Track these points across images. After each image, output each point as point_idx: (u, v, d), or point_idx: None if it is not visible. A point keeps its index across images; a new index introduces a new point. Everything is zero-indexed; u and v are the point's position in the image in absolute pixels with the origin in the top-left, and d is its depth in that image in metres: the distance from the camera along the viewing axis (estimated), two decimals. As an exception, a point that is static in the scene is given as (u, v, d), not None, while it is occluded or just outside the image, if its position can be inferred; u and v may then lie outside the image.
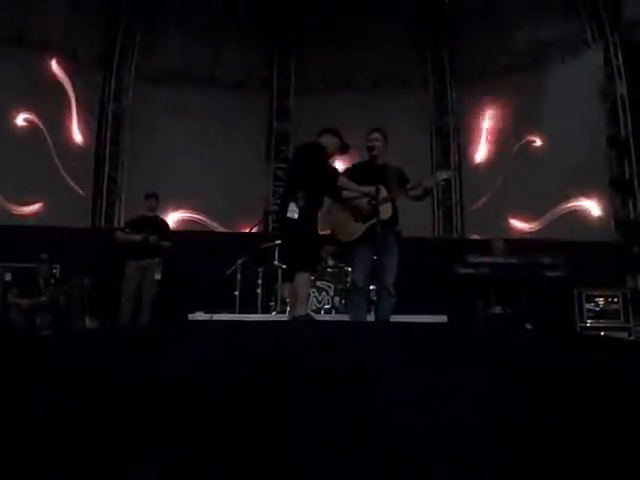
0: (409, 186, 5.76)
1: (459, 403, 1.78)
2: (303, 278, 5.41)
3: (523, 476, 1.34)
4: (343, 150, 5.88)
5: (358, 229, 5.69)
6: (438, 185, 6.17)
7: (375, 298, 6.29)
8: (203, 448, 1.46)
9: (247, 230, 9.74)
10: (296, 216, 5.28)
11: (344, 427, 1.56)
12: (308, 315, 5.56)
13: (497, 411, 1.69)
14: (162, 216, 8.64)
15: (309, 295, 7.93)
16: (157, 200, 8.60)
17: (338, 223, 5.81)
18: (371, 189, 5.63)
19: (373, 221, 5.60)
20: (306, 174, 5.48)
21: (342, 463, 1.40)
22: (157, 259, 8.13)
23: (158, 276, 8.07)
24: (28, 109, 13.17)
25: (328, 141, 5.76)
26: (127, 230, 8.33)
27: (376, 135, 5.95)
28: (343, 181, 5.65)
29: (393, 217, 5.78)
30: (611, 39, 13.21)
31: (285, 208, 5.40)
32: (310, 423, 1.60)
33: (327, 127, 5.95)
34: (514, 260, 7.96)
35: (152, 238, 8.05)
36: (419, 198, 5.82)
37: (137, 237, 8.06)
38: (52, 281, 8.57)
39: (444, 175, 6.11)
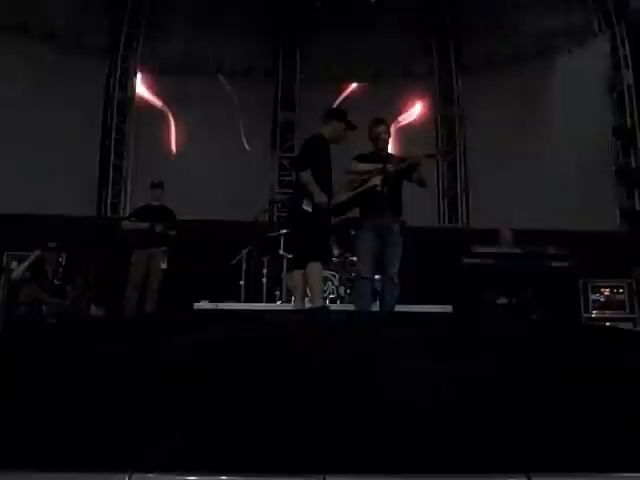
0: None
1: (461, 387, 1.79)
2: (315, 269, 5.47)
3: (523, 459, 1.36)
4: (350, 129, 5.96)
5: (346, 195, 5.83)
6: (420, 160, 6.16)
7: (379, 288, 6.32)
8: (208, 435, 1.49)
9: (252, 219, 9.72)
10: (310, 210, 5.38)
11: (350, 413, 1.58)
12: (324, 306, 5.63)
13: (500, 397, 1.71)
14: (167, 205, 8.65)
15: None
16: (162, 189, 8.60)
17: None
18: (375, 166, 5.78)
19: (364, 187, 5.70)
20: (315, 171, 5.55)
21: (347, 443, 1.42)
22: (163, 248, 8.17)
23: (164, 265, 8.10)
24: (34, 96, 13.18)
25: (333, 128, 5.87)
26: (133, 219, 8.36)
27: (383, 128, 6.02)
28: (351, 165, 5.87)
29: (396, 205, 5.85)
30: (618, 28, 13.13)
31: (298, 200, 5.50)
32: (316, 409, 1.62)
33: (332, 110, 6.04)
34: (519, 250, 7.96)
35: (158, 227, 8.07)
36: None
37: (144, 225, 8.09)
38: (59, 269, 8.59)
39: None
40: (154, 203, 8.53)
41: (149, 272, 8.10)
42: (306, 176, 5.52)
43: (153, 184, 8.58)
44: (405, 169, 5.82)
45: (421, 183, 5.98)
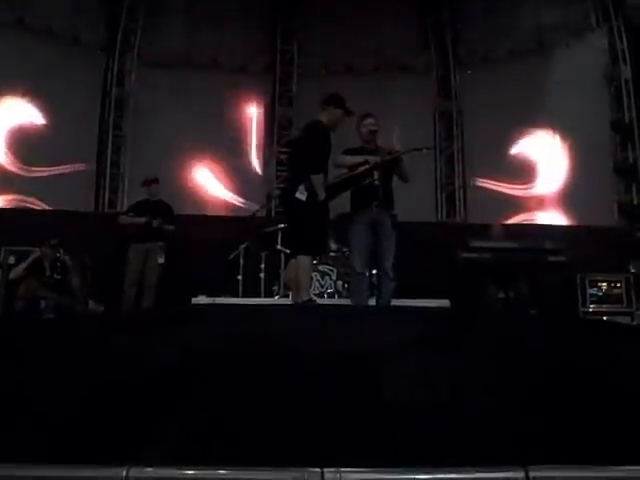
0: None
1: (459, 382, 1.80)
2: (304, 262, 5.46)
3: (521, 447, 1.36)
4: (347, 115, 5.94)
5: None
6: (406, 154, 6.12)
7: (376, 282, 6.33)
8: (205, 429, 1.49)
9: (250, 214, 9.73)
10: (304, 198, 5.35)
11: (348, 407, 1.58)
12: (311, 300, 5.60)
13: (499, 392, 1.71)
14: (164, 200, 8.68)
15: (311, 279, 7.96)
16: (158, 184, 8.64)
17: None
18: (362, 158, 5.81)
19: (352, 173, 5.76)
20: (314, 159, 5.54)
21: (345, 437, 1.42)
22: (160, 243, 8.20)
23: (162, 260, 8.13)
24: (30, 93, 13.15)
25: (331, 115, 5.84)
26: (131, 214, 8.41)
27: (371, 121, 6.05)
28: (338, 158, 5.89)
29: (388, 198, 5.86)
30: (615, 23, 13.13)
31: (292, 190, 5.48)
32: (313, 404, 1.62)
33: (330, 96, 6.01)
34: (517, 245, 7.97)
35: (156, 222, 8.11)
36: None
37: (141, 220, 8.13)
38: (58, 264, 8.58)
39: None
40: (152, 198, 8.57)
41: (146, 267, 8.14)
42: (318, 180, 5.45)
43: (147, 180, 8.62)
44: (389, 161, 5.82)
45: (403, 178, 6.00)
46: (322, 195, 5.43)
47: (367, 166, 5.74)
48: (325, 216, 5.63)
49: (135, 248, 8.17)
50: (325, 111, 5.84)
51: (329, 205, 5.74)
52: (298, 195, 5.41)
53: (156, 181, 8.62)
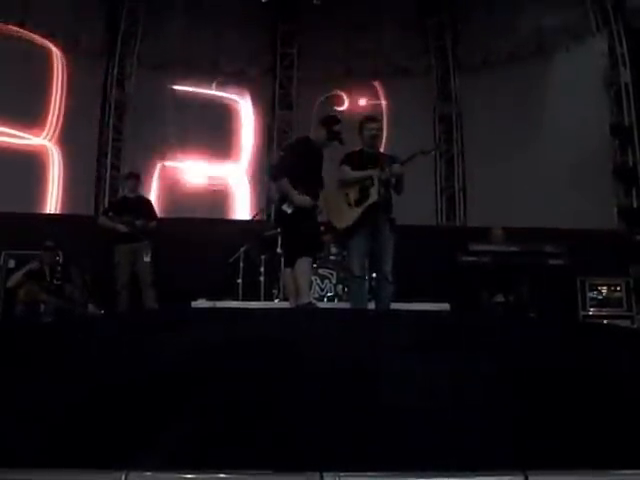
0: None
1: (459, 386, 1.79)
2: (303, 266, 5.52)
3: (521, 454, 1.36)
4: (330, 139, 5.94)
5: (353, 214, 5.75)
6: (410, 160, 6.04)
7: (375, 286, 6.32)
8: (203, 435, 1.49)
9: (249, 218, 9.73)
10: (290, 211, 5.50)
11: (347, 411, 1.58)
12: (311, 303, 5.61)
13: (498, 396, 1.71)
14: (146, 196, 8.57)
15: (311, 283, 7.98)
16: (138, 180, 8.55)
17: (333, 210, 5.90)
18: (367, 174, 5.75)
19: (368, 203, 5.66)
20: (301, 170, 5.66)
21: (344, 441, 1.42)
22: (146, 242, 8.06)
23: (147, 258, 8.00)
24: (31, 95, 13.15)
25: (317, 133, 5.95)
26: (110, 214, 8.26)
27: (375, 125, 6.05)
28: (343, 170, 5.87)
29: (387, 204, 5.84)
30: (615, 27, 13.12)
31: (281, 203, 5.62)
32: (312, 408, 1.62)
33: (325, 116, 6.14)
34: (516, 248, 7.97)
35: (139, 222, 8.00)
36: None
37: (122, 227, 7.97)
38: (57, 269, 8.56)
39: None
40: (130, 195, 8.48)
41: (137, 268, 8.01)
42: (284, 185, 5.61)
43: (130, 174, 8.60)
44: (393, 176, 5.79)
45: (399, 190, 5.95)
46: (308, 204, 5.60)
47: (374, 184, 5.70)
48: (314, 220, 5.80)
49: (121, 249, 8.01)
50: (316, 129, 6.01)
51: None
52: (284, 208, 5.60)
53: (136, 176, 8.54)
